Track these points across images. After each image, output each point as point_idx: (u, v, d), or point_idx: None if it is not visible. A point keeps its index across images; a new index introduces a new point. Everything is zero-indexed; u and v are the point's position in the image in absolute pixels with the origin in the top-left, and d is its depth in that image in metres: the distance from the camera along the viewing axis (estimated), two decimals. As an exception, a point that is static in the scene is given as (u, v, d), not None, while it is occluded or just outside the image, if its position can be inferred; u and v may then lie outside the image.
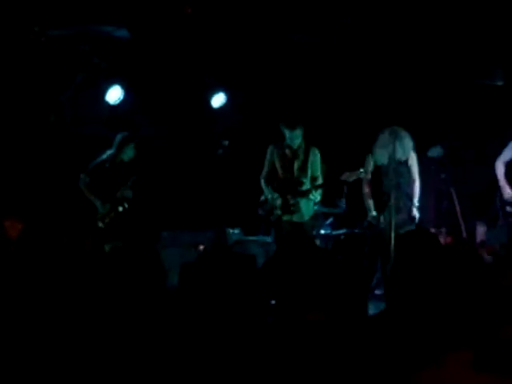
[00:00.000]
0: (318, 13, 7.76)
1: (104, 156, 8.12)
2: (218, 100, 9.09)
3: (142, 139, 8.34)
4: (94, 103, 8.69)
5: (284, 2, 7.60)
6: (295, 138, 7.57)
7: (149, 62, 8.70)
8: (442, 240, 7.26)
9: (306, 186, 7.64)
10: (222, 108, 9.17)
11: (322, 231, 8.62)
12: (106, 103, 8.64)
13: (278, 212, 7.64)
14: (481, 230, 8.38)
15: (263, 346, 3.11)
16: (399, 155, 7.08)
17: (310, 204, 7.73)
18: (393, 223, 6.93)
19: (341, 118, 9.34)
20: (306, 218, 7.71)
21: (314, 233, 8.27)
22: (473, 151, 8.78)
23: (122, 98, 8.64)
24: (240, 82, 9.18)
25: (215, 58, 8.77)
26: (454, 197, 8.33)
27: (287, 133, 7.55)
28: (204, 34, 8.27)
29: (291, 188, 7.66)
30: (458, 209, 8.32)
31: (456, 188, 8.30)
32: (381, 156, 7.12)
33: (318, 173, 7.71)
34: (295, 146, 7.64)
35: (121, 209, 8.02)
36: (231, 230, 8.56)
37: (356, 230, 8.57)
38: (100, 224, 7.96)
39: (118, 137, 8.14)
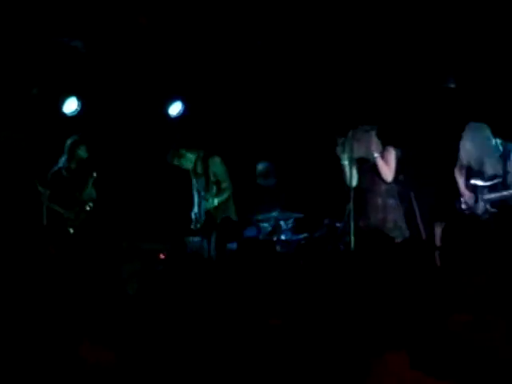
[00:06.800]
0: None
1: (59, 164, 8.31)
2: (176, 109, 9.15)
3: (94, 140, 8.52)
4: (50, 114, 8.73)
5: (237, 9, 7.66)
6: (185, 163, 8.32)
7: (105, 72, 8.74)
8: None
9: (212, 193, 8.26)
10: (180, 117, 9.26)
11: (283, 236, 8.67)
12: (63, 114, 8.69)
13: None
14: (439, 232, 8.46)
15: (226, 350, 3.15)
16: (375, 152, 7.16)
17: (218, 209, 8.28)
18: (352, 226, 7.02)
19: (296, 122, 9.48)
20: (216, 221, 8.24)
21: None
22: (430, 153, 8.86)
23: (78, 109, 8.70)
24: (197, 91, 9.25)
25: (172, 66, 8.83)
26: (413, 199, 8.35)
27: None
28: (160, 43, 8.34)
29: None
30: (416, 211, 8.35)
31: (415, 190, 8.34)
32: (358, 150, 7.16)
33: (221, 178, 8.27)
34: (190, 167, 8.34)
35: (88, 208, 8.27)
36: (191, 239, 8.65)
37: (316, 235, 8.60)
38: (71, 230, 8.17)
39: (68, 142, 8.33)
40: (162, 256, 8.37)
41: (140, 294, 4.02)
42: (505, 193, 7.23)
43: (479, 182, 7.42)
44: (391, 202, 7.26)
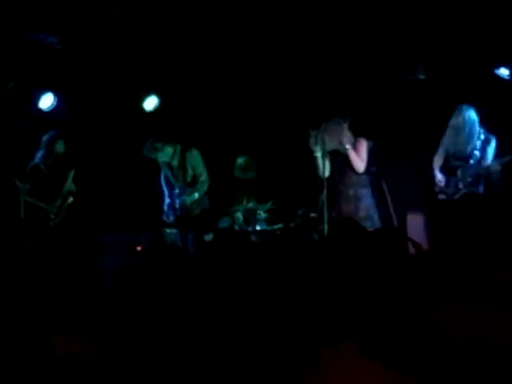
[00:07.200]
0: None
1: (36, 159, 8.41)
2: (151, 103, 9.25)
3: (71, 135, 8.63)
4: (26, 110, 8.76)
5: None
6: (162, 156, 8.40)
7: (80, 68, 8.77)
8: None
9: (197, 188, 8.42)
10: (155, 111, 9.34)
11: (258, 227, 8.74)
12: (39, 110, 8.77)
13: (170, 213, 8.52)
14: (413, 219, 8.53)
15: (205, 343, 3.13)
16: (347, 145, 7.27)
17: (193, 202, 8.44)
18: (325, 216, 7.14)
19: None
20: (194, 214, 8.46)
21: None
22: (401, 143, 8.99)
23: (55, 104, 8.79)
24: (174, 85, 9.31)
25: (148, 60, 8.88)
26: (385, 189, 8.41)
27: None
28: (135, 37, 8.37)
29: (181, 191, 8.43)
30: (389, 200, 8.39)
31: (387, 180, 8.39)
32: (330, 142, 7.26)
33: (198, 170, 8.44)
34: (167, 160, 8.43)
35: (70, 200, 8.40)
36: (168, 230, 8.72)
37: (291, 225, 8.67)
38: (53, 221, 8.29)
39: (45, 137, 8.45)
40: (138, 248, 8.44)
41: (117, 287, 3.87)
42: (479, 170, 7.53)
43: (456, 163, 7.70)
44: (363, 192, 7.37)
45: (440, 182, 7.77)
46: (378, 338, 2.67)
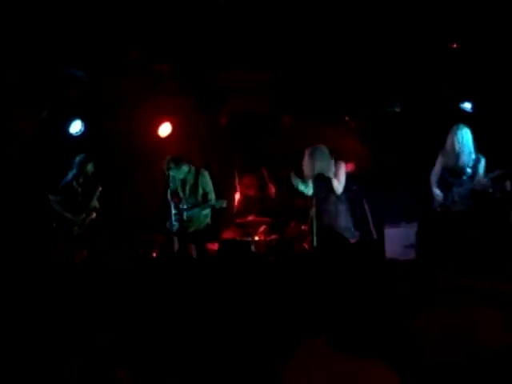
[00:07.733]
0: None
1: (69, 177, 9.02)
2: (165, 130, 10.07)
3: (97, 157, 9.21)
4: (57, 134, 9.48)
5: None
6: (178, 173, 9.00)
7: (104, 98, 9.54)
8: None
9: (197, 202, 9.05)
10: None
11: (256, 237, 9.40)
12: (69, 134, 9.50)
13: (174, 224, 9.00)
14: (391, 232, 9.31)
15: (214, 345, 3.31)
16: (331, 169, 8.31)
17: (201, 217, 9.11)
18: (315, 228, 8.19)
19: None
20: (201, 227, 9.15)
21: None
22: (378, 167, 9.79)
23: (82, 129, 9.56)
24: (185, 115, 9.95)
25: (161, 90, 9.53)
26: (366, 205, 9.40)
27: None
28: (147, 69, 9.13)
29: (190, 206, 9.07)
30: (369, 215, 9.40)
31: (366, 198, 9.37)
32: (317, 167, 8.31)
33: (208, 189, 9.09)
34: (181, 177, 9.04)
35: (94, 215, 8.99)
36: (172, 238, 9.19)
37: (285, 235, 9.35)
38: (75, 231, 8.86)
39: (77, 159, 9.06)
40: (154, 254, 9.07)
41: (134, 291, 4.05)
42: (471, 185, 7.91)
43: (451, 179, 8.05)
44: (342, 207, 8.40)
45: (438, 196, 8.07)
46: (347, 333, 2.77)
